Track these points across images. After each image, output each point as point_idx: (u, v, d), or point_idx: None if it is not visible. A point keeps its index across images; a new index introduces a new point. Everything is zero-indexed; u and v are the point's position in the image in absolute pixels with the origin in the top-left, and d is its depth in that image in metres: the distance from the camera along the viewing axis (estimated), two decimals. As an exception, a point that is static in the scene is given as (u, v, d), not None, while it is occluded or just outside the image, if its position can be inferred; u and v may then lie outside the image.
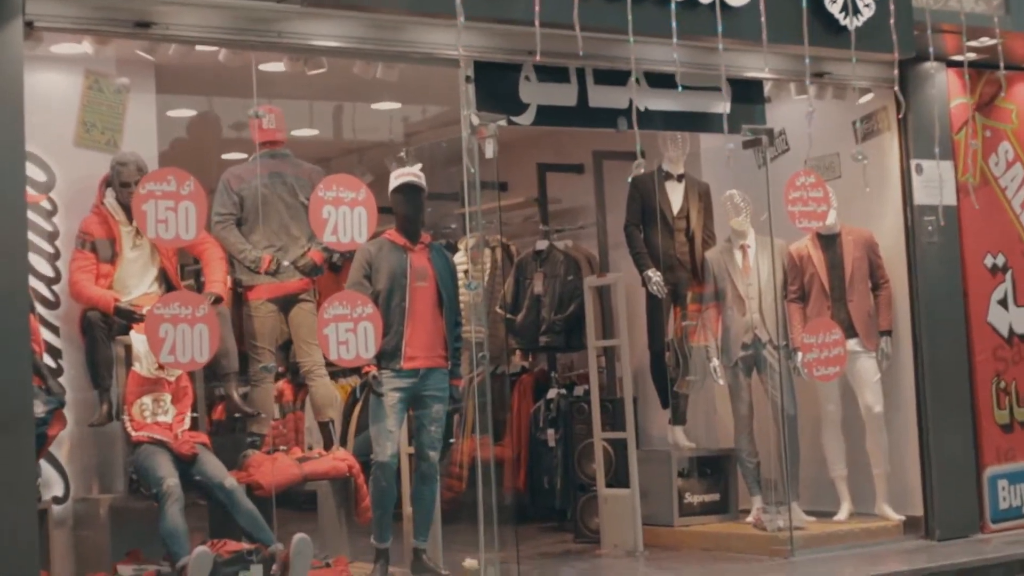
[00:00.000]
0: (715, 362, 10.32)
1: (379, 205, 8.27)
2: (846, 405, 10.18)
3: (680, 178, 10.63)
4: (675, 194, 10.61)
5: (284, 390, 13.96)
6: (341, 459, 9.06)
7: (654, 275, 10.36)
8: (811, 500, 10.34)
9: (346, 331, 8.00)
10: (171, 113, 10.17)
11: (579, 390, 11.55)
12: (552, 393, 11.62)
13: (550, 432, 11.49)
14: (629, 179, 9.02)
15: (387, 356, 8.32)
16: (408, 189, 8.47)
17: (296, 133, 11.09)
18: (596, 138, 11.49)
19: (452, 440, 10.73)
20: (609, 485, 10.34)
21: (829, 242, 10.15)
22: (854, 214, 10.31)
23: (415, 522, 8.58)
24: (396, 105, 10.88)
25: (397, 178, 8.52)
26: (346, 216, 8.13)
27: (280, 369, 10.20)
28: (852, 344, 9.95)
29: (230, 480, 8.10)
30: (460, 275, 9.19)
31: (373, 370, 8.28)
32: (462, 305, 8.89)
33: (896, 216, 10.23)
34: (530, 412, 11.83)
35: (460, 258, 12.07)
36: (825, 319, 9.85)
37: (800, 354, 9.80)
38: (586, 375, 11.56)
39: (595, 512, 10.40)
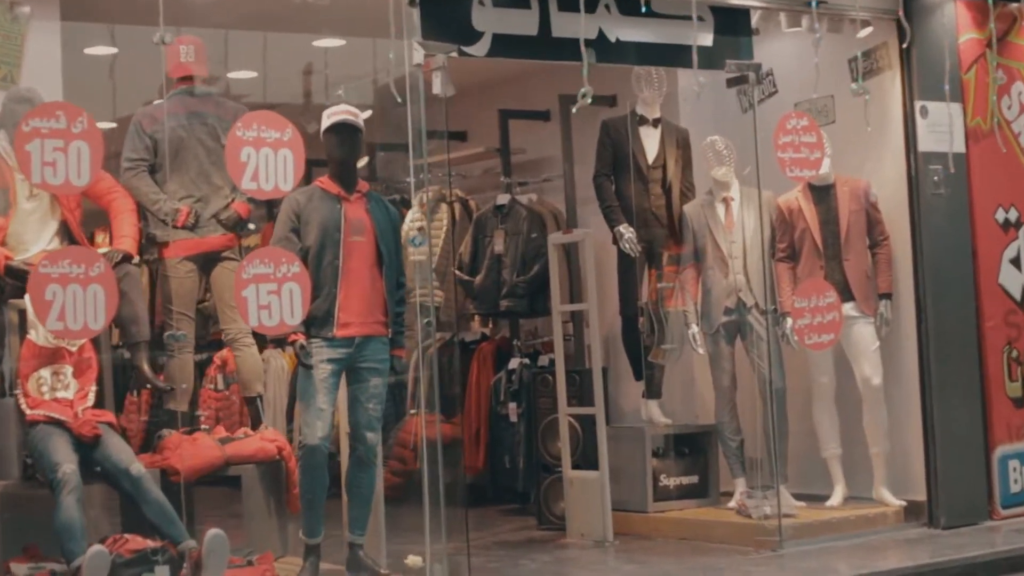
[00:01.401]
0: (694, 329, 9.25)
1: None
2: (841, 377, 9.13)
3: (656, 123, 9.54)
4: (650, 141, 9.52)
5: (228, 359, 12.91)
6: (270, 439, 7.96)
7: (626, 231, 9.27)
8: (801, 482, 9.32)
9: (268, 293, 6.88)
10: (78, 44, 8.97)
11: (544, 359, 10.52)
12: (514, 363, 10.56)
13: (512, 406, 10.44)
14: (574, 109, 7.89)
15: (317, 322, 7.23)
16: (342, 129, 7.35)
17: (227, 73, 9.98)
18: (563, 81, 10.32)
19: (401, 418, 9.69)
20: (576, 466, 9.29)
21: (822, 194, 9.07)
22: (850, 163, 9.26)
23: (350, 514, 7.47)
24: (340, 42, 9.72)
25: (330, 116, 7.39)
26: (268, 160, 7.00)
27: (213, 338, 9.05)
28: (848, 308, 8.88)
29: (137, 466, 6.99)
30: (412, 231, 8.11)
31: (300, 339, 7.18)
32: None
33: (898, 165, 9.14)
34: (490, 384, 10.74)
35: (414, 215, 11.02)
36: (818, 280, 8.78)
37: (789, 320, 8.76)
38: (552, 343, 10.48)
39: (560, 496, 9.35)
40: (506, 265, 10.49)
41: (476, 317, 11.06)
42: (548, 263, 9.91)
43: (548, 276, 9.91)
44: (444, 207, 11.16)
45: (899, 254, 9.12)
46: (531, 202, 10.62)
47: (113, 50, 9.59)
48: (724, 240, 9.16)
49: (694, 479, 9.51)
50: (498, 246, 10.54)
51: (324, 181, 7.44)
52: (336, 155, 7.39)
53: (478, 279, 10.62)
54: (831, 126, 9.37)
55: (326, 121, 7.39)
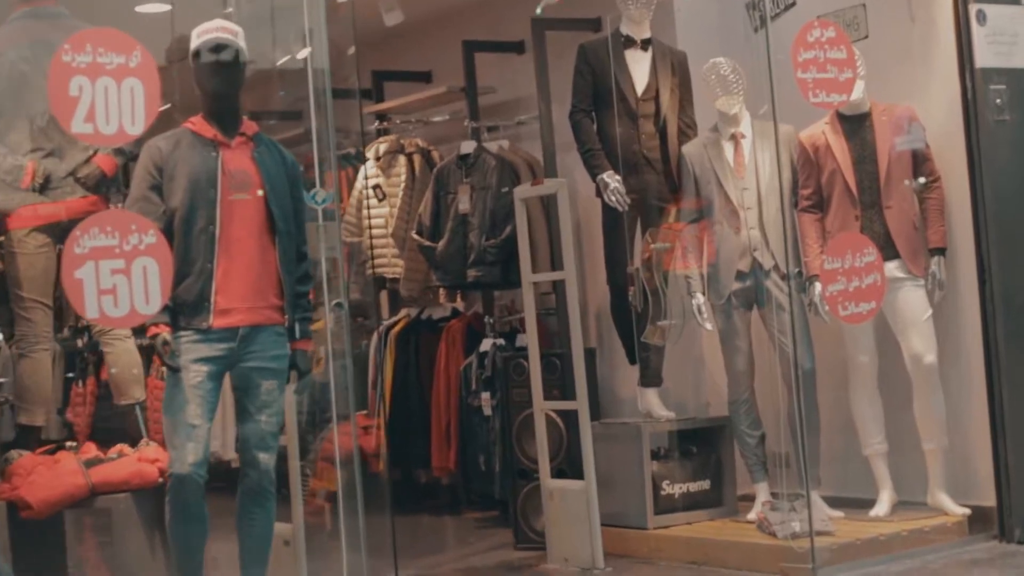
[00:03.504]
0: (699, 299, 7.43)
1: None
2: (885, 355, 7.26)
3: (646, 45, 7.70)
4: (639, 67, 7.70)
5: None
6: (150, 459, 6.20)
7: (611, 180, 7.45)
8: (838, 485, 7.54)
9: (113, 273, 5.09)
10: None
11: (522, 339, 8.67)
12: (486, 344, 8.76)
13: (485, 396, 8.66)
14: (539, 9, 6.08)
15: (187, 309, 5.46)
16: (215, 52, 5.53)
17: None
18: (534, 3, 8.58)
19: (324, 426, 7.88)
20: (559, 472, 7.54)
21: (855, 125, 7.20)
22: (890, 87, 7.39)
23: (242, 558, 5.67)
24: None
25: (199, 36, 5.57)
26: (109, 93, 5.18)
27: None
28: (892, 268, 7.04)
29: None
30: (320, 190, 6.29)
31: (163, 332, 5.39)
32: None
33: (949, 86, 7.26)
34: (459, 370, 8.94)
35: (369, 171, 9.21)
36: (852, 234, 6.95)
37: (818, 285, 6.91)
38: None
39: (540, 508, 7.53)
40: (473, 227, 8.67)
41: (441, 290, 9.22)
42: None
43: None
44: (402, 160, 9.36)
45: (954, 199, 7.23)
46: (501, 150, 8.79)
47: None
48: (734, 187, 7.34)
49: (704, 485, 7.69)
50: (463, 204, 8.72)
51: (195, 122, 5.64)
52: (209, 87, 5.59)
53: (440, 244, 8.80)
54: (864, 42, 7.52)
55: (194, 42, 5.59)
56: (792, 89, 6.68)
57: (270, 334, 5.55)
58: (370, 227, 9.40)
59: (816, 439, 7.27)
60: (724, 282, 7.38)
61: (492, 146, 8.80)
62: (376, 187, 9.35)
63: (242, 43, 5.59)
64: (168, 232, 5.38)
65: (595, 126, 7.64)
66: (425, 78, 9.92)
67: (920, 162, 7.21)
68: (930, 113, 7.29)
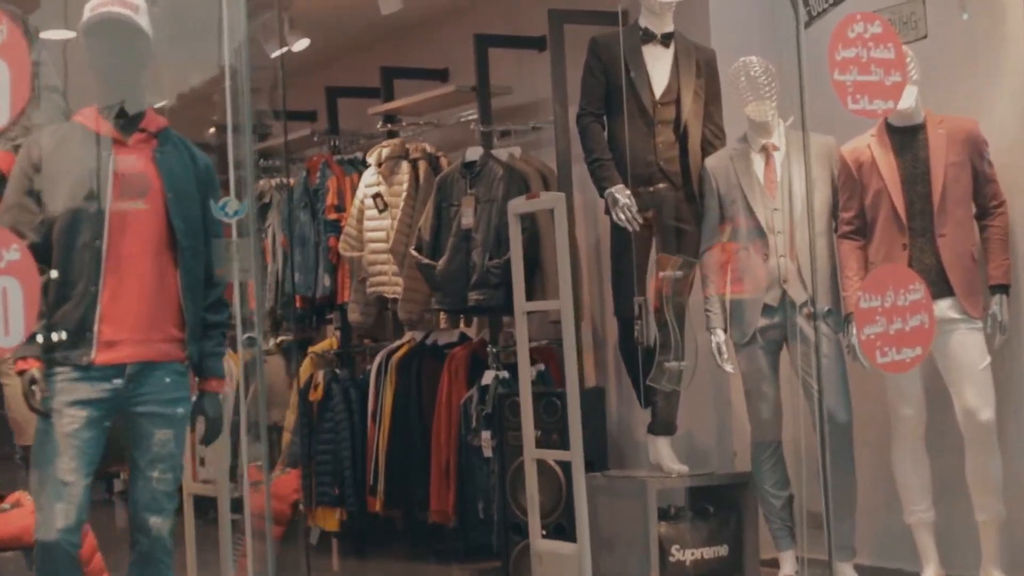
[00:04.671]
0: (719, 336, 6.41)
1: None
2: (933, 408, 6.19)
3: (667, 40, 6.68)
4: (658, 65, 6.68)
5: None
6: (50, 511, 5.22)
7: (621, 196, 6.44)
8: (877, 555, 6.58)
9: (-34, 295, 4.14)
10: None
11: (531, 371, 7.65)
12: (488, 377, 7.76)
13: (485, 435, 7.65)
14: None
15: (63, 341, 4.50)
16: (108, 29, 4.58)
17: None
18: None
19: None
20: (556, 529, 6.58)
21: (906, 138, 6.14)
22: (949, 96, 6.32)
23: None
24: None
25: (90, 10, 4.62)
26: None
27: None
28: (944, 307, 5.97)
29: None
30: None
31: (32, 367, 4.44)
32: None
33: (1018, 97, 6.17)
34: (460, 404, 7.96)
35: (370, 178, 8.25)
36: (897, 267, 5.90)
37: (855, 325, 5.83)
38: (546, 349, 7.73)
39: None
40: (476, 244, 7.67)
41: (441, 314, 8.23)
42: (533, 239, 7.18)
43: (534, 256, 7.17)
44: (405, 166, 8.38)
45: (1021, 227, 6.16)
46: (512, 158, 7.79)
47: None
48: (763, 207, 6.32)
49: (721, 551, 6.65)
50: (466, 218, 7.73)
51: (86, 114, 4.70)
52: (100, 72, 4.64)
53: (440, 263, 7.81)
54: (921, 43, 6.47)
55: (84, 16, 4.64)
56: (833, 96, 5.65)
57: (166, 373, 4.60)
58: (369, 240, 8.44)
59: (851, 503, 6.26)
60: (749, 318, 6.36)
61: (501, 153, 7.81)
62: (376, 196, 8.39)
63: (144, 19, 4.63)
64: (46, 247, 4.44)
65: (605, 132, 6.63)
66: (441, 76, 8.94)
67: (982, 184, 6.12)
68: (995, 127, 6.20)
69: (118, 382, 4.53)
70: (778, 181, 6.32)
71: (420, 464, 8.24)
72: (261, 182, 9.89)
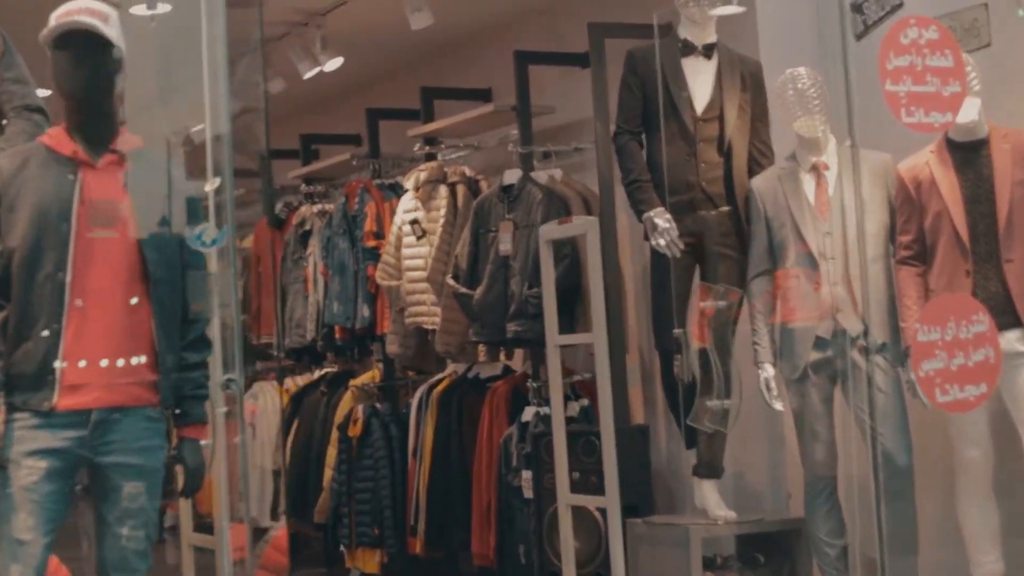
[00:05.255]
0: (768, 371, 5.91)
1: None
2: (1002, 450, 5.64)
3: (709, 51, 6.21)
4: (700, 79, 6.21)
5: None
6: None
7: (661, 220, 5.96)
8: (941, 611, 5.91)
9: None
10: None
11: (575, 407, 7.21)
12: (529, 413, 7.28)
13: (526, 475, 7.18)
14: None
15: (22, 385, 4.12)
16: (74, 40, 4.18)
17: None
18: (598, 4, 7.20)
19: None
20: (595, 578, 6.05)
21: (968, 155, 5.63)
22: (1015, 107, 5.79)
23: None
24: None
25: (55, 19, 4.23)
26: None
27: None
28: (1012, 340, 5.46)
29: None
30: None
31: (-15, 414, 4.04)
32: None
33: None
34: (500, 442, 7.51)
35: (408, 203, 7.84)
36: (957, 296, 5.38)
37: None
38: (592, 384, 7.23)
39: (572, 622, 6.09)
40: (514, 272, 7.22)
41: (480, 346, 7.77)
42: (574, 266, 6.71)
43: (575, 286, 6.71)
44: (443, 191, 7.95)
45: (1097, 251, 5.61)
46: (552, 181, 7.33)
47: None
48: (814, 231, 5.82)
49: (772, 605, 6.14)
50: (504, 244, 7.28)
51: (53, 135, 4.30)
52: (66, 87, 4.23)
53: (478, 292, 7.37)
54: (985, 51, 5.95)
55: (49, 26, 4.24)
56: (887, 111, 5.15)
57: (137, 419, 4.18)
58: (408, 269, 8.02)
59: (912, 553, 5.71)
60: (799, 351, 5.85)
61: (541, 176, 7.36)
62: (414, 222, 7.96)
63: (114, 30, 4.22)
64: (5, 280, 4.04)
65: (644, 152, 6.16)
66: (483, 96, 8.50)
67: (1053, 204, 5.59)
68: (1068, 142, 5.67)
69: (82, 430, 4.11)
70: (830, 203, 5.82)
71: (462, 504, 7.79)
72: (303, 208, 9.53)
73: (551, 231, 6.12)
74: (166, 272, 4.21)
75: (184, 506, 6.12)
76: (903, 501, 5.63)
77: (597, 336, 5.73)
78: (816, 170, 5.90)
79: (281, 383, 10.20)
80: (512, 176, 7.37)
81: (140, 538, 4.18)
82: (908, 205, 5.74)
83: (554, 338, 6.00)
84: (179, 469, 4.31)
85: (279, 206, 10.16)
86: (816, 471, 5.93)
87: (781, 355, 5.93)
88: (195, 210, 4.29)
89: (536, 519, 6.83)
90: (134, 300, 4.14)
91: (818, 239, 5.82)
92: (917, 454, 5.78)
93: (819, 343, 5.84)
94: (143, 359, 4.18)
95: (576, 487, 6.24)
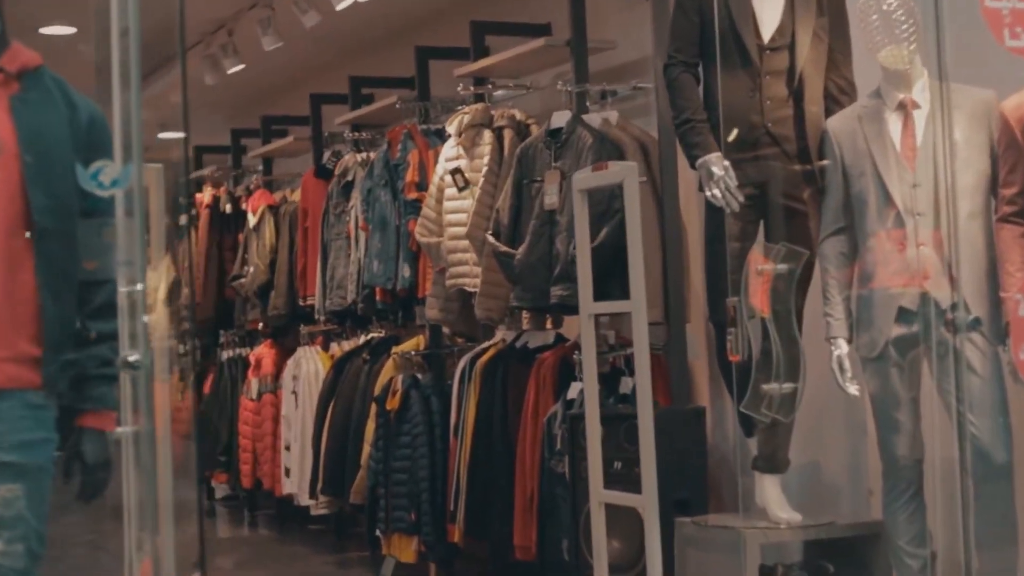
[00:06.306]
0: (841, 348, 4.96)
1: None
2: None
3: (776, -30, 5.23)
4: (768, 1, 5.21)
5: (262, 357, 9.36)
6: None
7: (717, 167, 5.02)
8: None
9: None
10: None
11: (625, 384, 6.31)
12: (575, 390, 6.38)
13: (568, 460, 6.26)
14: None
15: None
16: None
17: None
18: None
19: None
20: (634, 584, 5.17)
21: (1088, 92, 4.62)
22: None
23: None
24: None
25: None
26: None
27: None
28: None
29: None
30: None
31: None
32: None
33: None
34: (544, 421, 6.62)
35: (450, 151, 6.99)
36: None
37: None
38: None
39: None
40: (561, 228, 6.31)
41: (524, 312, 6.88)
42: (623, 223, 5.79)
43: (625, 245, 5.79)
44: (487, 136, 7.05)
45: None
46: (605, 124, 6.40)
47: None
48: (899, 182, 4.87)
49: (843, 624, 5.19)
50: (549, 197, 6.38)
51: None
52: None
53: (520, 251, 6.47)
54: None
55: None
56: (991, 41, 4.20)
57: (13, 406, 3.33)
58: (449, 224, 7.15)
59: (1011, 565, 4.74)
60: (879, 325, 4.90)
61: (594, 119, 6.44)
62: (456, 172, 7.07)
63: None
64: None
65: (700, 86, 5.23)
66: (542, 32, 7.56)
67: None
68: None
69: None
70: (919, 148, 4.84)
71: (504, 490, 6.92)
72: (346, 157, 8.71)
73: (585, 179, 5.19)
74: (57, 221, 3.36)
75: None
76: (999, 504, 4.68)
77: (635, 304, 4.80)
78: (903, 109, 4.92)
79: (326, 348, 9.44)
80: (560, 119, 6.46)
81: (18, 553, 3.33)
82: (1014, 151, 4.74)
83: (588, 305, 5.09)
84: (76, 468, 3.45)
85: (327, 155, 9.37)
86: (897, 467, 4.98)
87: (858, 329, 4.99)
88: (102, 145, 3.39)
89: (572, 512, 5.94)
90: (13, 254, 3.29)
91: (904, 191, 4.86)
92: (1018, 449, 4.81)
93: (903, 315, 4.87)
94: (24, 329, 3.32)
95: (616, 479, 5.37)
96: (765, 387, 4.78)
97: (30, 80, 3.45)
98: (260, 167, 10.63)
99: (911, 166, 4.88)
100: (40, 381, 3.37)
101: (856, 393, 4.99)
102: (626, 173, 4.89)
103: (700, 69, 5.29)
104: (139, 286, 3.21)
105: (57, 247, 3.37)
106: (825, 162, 5.07)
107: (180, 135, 3.80)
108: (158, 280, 3.49)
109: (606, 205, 5.99)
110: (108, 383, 3.44)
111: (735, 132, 5.12)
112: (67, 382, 3.41)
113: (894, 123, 4.95)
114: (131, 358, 3.15)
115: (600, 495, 5.05)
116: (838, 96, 5.26)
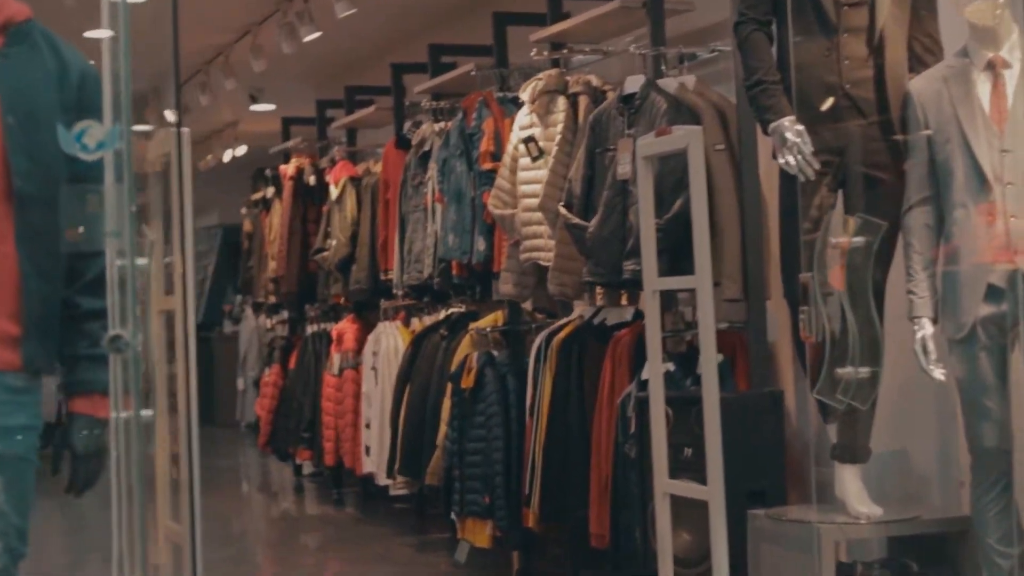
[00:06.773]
0: (926, 328, 4.57)
1: None
2: None
3: (857, -83, 4.83)
4: (845, -46, 4.84)
5: (344, 332, 9.15)
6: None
7: (791, 132, 4.65)
8: None
9: None
10: None
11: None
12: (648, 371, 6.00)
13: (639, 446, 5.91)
14: None
15: None
16: None
17: None
18: None
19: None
20: (703, 580, 4.83)
21: None
22: None
23: None
24: None
25: None
26: None
27: None
28: None
29: None
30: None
31: None
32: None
33: None
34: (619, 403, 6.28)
35: (524, 119, 6.68)
36: None
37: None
38: (730, 337, 6.06)
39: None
40: (635, 199, 5.94)
41: (598, 288, 6.53)
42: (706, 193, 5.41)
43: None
44: (561, 103, 6.71)
45: None
46: (681, 89, 6.02)
47: None
48: (988, 147, 4.47)
49: (927, 627, 4.81)
50: (622, 166, 6.02)
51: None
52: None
53: (593, 223, 6.13)
54: None
55: None
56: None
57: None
58: (523, 196, 6.83)
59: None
60: (966, 304, 4.51)
61: (669, 83, 6.07)
62: (530, 140, 6.75)
63: None
64: None
65: (773, 46, 4.85)
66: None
67: None
68: None
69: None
70: (1009, 111, 4.44)
71: (580, 474, 6.59)
72: (424, 126, 8.41)
73: (648, 145, 4.83)
74: (40, 187, 3.09)
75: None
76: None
77: (700, 279, 4.45)
78: (992, 68, 4.52)
79: (408, 324, 9.18)
80: (634, 84, 6.09)
81: (16, 538, 3.07)
82: (1114, 114, 4.32)
83: (652, 281, 4.74)
84: (66, 456, 3.18)
85: (407, 125, 9.09)
86: (986, 459, 4.59)
87: (944, 308, 4.59)
88: (93, 105, 3.11)
89: (641, 501, 5.60)
90: (45, 221, 3.03)
91: (993, 157, 4.46)
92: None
93: (992, 293, 4.48)
94: (3, 305, 3.06)
95: (686, 467, 5.04)
96: (840, 371, 4.40)
97: (16, 35, 3.18)
98: (344, 138, 10.39)
99: (1002, 130, 4.48)
100: (20, 362, 3.10)
101: (941, 378, 4.60)
102: (690, 138, 4.53)
103: (773, 27, 4.90)
104: (129, 260, 2.94)
105: (40, 216, 3.10)
106: (908, 127, 4.67)
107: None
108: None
109: (681, 174, 5.62)
110: (100, 365, 3.15)
111: (830, 101, 4.76)
112: (46, 364, 3.13)
113: (982, 84, 4.55)
114: (115, 333, 2.86)
115: (664, 485, 4.71)
116: (922, 55, 4.86)
